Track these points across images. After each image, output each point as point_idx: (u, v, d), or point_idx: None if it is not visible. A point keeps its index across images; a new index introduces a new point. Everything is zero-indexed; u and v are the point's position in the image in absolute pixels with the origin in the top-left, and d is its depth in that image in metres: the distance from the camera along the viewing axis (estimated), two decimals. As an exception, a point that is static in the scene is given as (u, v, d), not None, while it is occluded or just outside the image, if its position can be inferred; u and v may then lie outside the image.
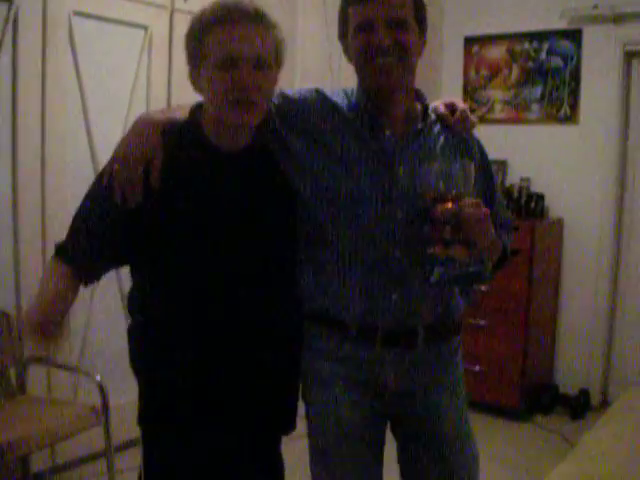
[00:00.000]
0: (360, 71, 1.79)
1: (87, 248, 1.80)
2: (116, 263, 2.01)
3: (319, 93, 1.84)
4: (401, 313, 1.78)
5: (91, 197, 1.81)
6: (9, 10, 3.10)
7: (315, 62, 4.61)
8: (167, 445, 1.87)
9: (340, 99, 1.83)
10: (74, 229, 1.84)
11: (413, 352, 1.82)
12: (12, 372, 3.28)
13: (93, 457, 3.44)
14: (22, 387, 3.27)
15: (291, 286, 1.86)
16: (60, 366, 3.35)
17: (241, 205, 1.79)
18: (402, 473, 1.98)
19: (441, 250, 1.60)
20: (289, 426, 1.97)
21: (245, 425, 1.89)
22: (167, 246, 1.78)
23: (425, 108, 1.87)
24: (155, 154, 1.72)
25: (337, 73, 4.69)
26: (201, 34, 1.68)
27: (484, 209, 1.62)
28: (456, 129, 1.87)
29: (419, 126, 1.82)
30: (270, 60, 1.71)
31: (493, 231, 1.70)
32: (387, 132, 1.78)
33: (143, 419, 1.95)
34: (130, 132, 1.79)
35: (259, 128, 1.77)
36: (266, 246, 1.82)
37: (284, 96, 1.82)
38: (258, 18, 1.68)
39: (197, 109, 1.80)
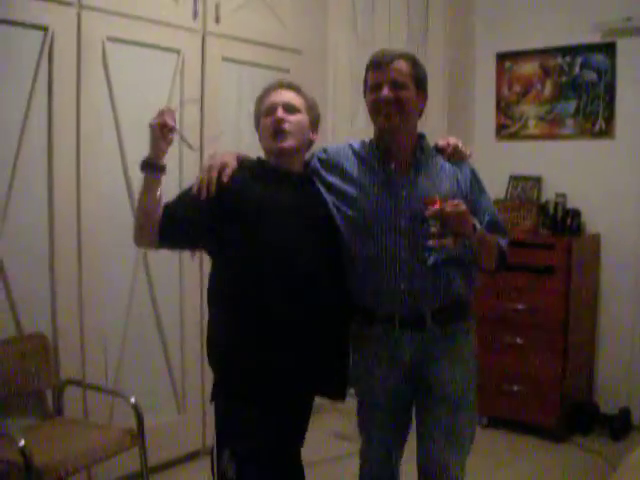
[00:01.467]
0: (372, 119, 2.40)
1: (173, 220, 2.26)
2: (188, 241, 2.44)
3: (349, 146, 2.48)
4: (410, 301, 2.32)
5: (180, 194, 2.35)
6: (45, 37, 3.15)
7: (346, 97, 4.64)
8: (239, 414, 2.27)
9: (361, 146, 2.47)
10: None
11: (423, 332, 2.35)
12: (49, 394, 3.31)
13: (129, 478, 3.45)
14: (59, 409, 3.30)
15: (339, 281, 2.38)
16: (96, 388, 3.39)
17: (293, 209, 2.33)
18: (418, 426, 2.47)
19: (434, 241, 2.16)
20: (342, 394, 2.45)
21: (306, 393, 2.40)
22: (234, 235, 2.27)
23: (422, 144, 2.45)
24: (229, 165, 2.30)
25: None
26: (258, 100, 2.44)
27: (462, 207, 2.17)
28: (451, 160, 2.45)
29: (418, 158, 2.40)
30: (298, 106, 2.38)
31: (476, 224, 2.27)
32: (392, 165, 2.38)
33: (216, 396, 2.35)
34: (214, 154, 2.41)
35: (306, 165, 2.45)
36: (316, 242, 2.33)
37: (325, 150, 2.49)
38: (291, 86, 2.43)
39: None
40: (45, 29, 3.15)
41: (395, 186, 2.35)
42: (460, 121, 5.02)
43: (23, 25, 3.10)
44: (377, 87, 2.33)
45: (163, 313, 3.72)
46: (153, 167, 2.22)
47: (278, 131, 2.32)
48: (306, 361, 2.30)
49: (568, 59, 4.74)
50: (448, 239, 2.15)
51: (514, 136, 5.01)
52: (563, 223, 4.57)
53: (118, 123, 3.46)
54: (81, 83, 3.30)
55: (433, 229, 2.15)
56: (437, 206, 2.13)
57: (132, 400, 3.12)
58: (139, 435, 3.08)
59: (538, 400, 4.34)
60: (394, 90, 2.30)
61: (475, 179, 2.48)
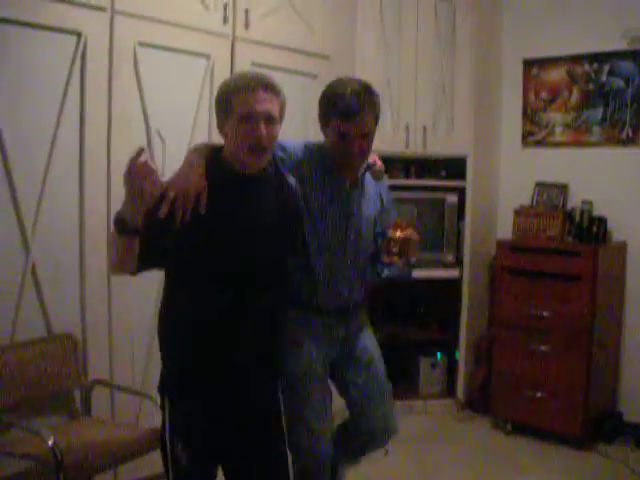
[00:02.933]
0: (334, 154, 2.59)
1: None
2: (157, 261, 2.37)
3: (306, 148, 2.64)
4: (346, 299, 2.73)
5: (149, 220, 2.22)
6: (78, 42, 3.20)
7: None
8: (183, 409, 2.38)
9: (318, 154, 2.64)
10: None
11: (349, 316, 2.77)
12: (77, 394, 3.35)
13: (155, 479, 3.48)
14: (87, 409, 3.34)
15: (284, 282, 2.49)
16: (123, 389, 3.42)
17: (255, 214, 2.34)
18: (344, 386, 2.85)
19: (390, 258, 2.56)
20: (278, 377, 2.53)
21: (245, 382, 2.39)
22: (194, 245, 2.25)
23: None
24: (203, 187, 2.24)
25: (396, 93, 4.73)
26: (229, 96, 2.27)
27: (417, 236, 2.57)
28: (375, 176, 2.76)
29: (359, 175, 2.71)
30: (276, 116, 2.29)
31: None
32: (347, 182, 2.66)
33: (161, 389, 2.47)
34: (184, 166, 2.32)
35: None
36: (271, 247, 2.37)
37: (283, 148, 2.57)
38: (269, 87, 2.28)
39: (217, 149, 2.39)
40: (78, 34, 3.20)
41: (349, 204, 2.67)
42: (486, 128, 5.03)
43: (57, 30, 3.14)
44: (348, 139, 2.52)
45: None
46: (128, 231, 2.14)
47: (258, 148, 2.27)
48: (246, 354, 2.36)
49: (595, 66, 4.73)
50: (400, 259, 2.56)
51: (540, 143, 5.00)
52: (589, 231, 4.55)
53: (149, 127, 3.50)
54: (112, 88, 3.34)
55: (394, 249, 2.53)
56: (399, 232, 2.53)
57: (159, 401, 3.14)
58: (165, 436, 3.11)
59: (562, 407, 4.33)
60: (363, 141, 2.54)
61: (388, 192, 2.89)
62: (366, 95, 2.52)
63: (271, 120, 2.27)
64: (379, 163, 2.78)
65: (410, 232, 2.56)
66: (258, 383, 2.44)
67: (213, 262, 2.28)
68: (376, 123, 2.60)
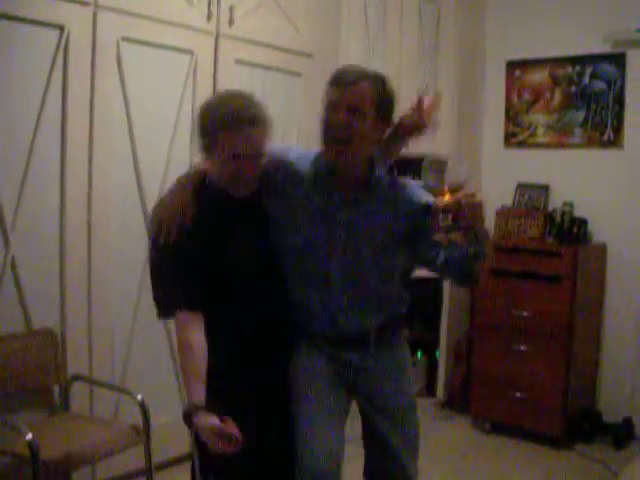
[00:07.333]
0: (322, 140, 2.20)
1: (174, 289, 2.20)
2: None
3: (291, 164, 2.29)
4: (349, 328, 2.32)
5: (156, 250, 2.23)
6: (60, 36, 3.19)
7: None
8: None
9: (308, 166, 2.27)
10: (159, 282, 2.25)
11: (360, 347, 2.36)
12: (56, 389, 3.34)
13: (133, 475, 3.47)
14: (65, 404, 3.32)
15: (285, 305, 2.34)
16: (103, 384, 3.41)
17: (251, 236, 2.26)
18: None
19: (443, 236, 2.02)
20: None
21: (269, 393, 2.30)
22: (203, 269, 2.19)
23: (372, 171, 2.28)
24: (188, 207, 2.18)
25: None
26: (214, 131, 2.14)
27: (478, 198, 2.01)
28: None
29: (370, 184, 2.26)
30: (264, 151, 2.18)
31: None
32: (337, 194, 2.23)
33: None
34: (169, 193, 2.27)
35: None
36: (270, 268, 2.29)
37: (265, 170, 2.23)
38: (257, 120, 2.14)
39: (205, 175, 2.27)
40: (61, 28, 3.19)
41: (332, 220, 2.24)
42: (469, 128, 5.05)
43: (40, 23, 3.12)
44: (334, 107, 2.16)
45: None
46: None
47: (244, 180, 2.19)
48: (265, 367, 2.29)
49: (578, 68, 4.77)
50: (457, 234, 2.03)
51: (522, 144, 5.03)
52: (570, 232, 4.58)
53: (131, 122, 3.49)
54: (95, 82, 3.32)
55: (446, 222, 1.99)
56: (447, 197, 1.99)
57: (139, 397, 3.14)
58: (145, 432, 3.10)
59: (541, 407, 4.36)
60: (349, 115, 2.12)
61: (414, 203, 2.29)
62: (370, 73, 2.22)
63: (259, 155, 2.18)
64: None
65: (462, 193, 2.02)
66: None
67: (223, 283, 2.22)
68: (378, 111, 2.19)
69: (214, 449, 2.03)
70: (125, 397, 3.39)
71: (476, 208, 2.02)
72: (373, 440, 2.44)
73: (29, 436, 2.72)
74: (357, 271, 2.25)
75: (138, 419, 3.13)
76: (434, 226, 2.04)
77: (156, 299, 2.26)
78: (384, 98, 2.19)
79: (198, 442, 2.14)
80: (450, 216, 1.97)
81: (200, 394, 2.09)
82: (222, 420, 2.03)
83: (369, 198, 2.26)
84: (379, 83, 2.19)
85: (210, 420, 2.03)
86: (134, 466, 3.35)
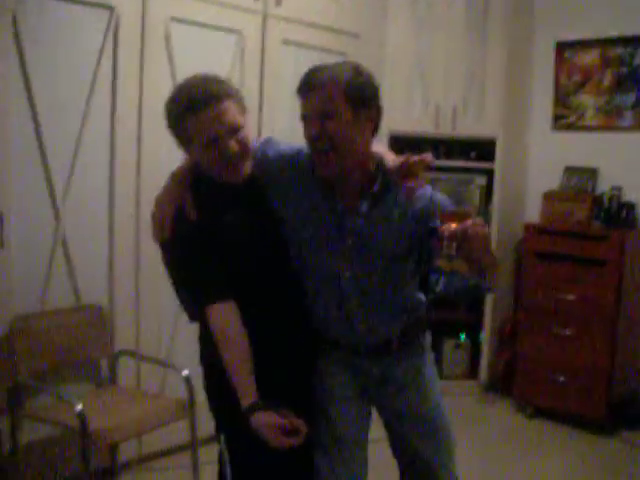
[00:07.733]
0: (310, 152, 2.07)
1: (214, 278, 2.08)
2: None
3: (298, 156, 2.14)
4: (365, 335, 2.20)
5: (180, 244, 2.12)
6: (111, 16, 3.23)
7: (403, 71, 4.62)
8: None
9: (307, 163, 2.11)
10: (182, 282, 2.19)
11: (378, 355, 2.25)
12: (104, 363, 3.41)
13: (178, 449, 3.54)
14: (113, 378, 3.40)
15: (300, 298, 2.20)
16: (149, 359, 3.48)
17: (249, 223, 2.12)
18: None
19: (445, 263, 1.83)
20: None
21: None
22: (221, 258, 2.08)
23: (382, 173, 2.10)
24: (183, 198, 2.09)
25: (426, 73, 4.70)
26: (181, 122, 2.03)
27: (486, 229, 1.85)
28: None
29: (374, 190, 2.09)
30: (239, 122, 2.03)
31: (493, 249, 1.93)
32: (339, 204, 2.09)
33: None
34: (164, 189, 2.17)
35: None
36: (284, 253, 2.16)
37: (265, 156, 2.15)
38: (219, 96, 2.01)
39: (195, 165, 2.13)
40: (111, 9, 3.23)
41: (341, 230, 2.10)
42: (517, 110, 4.99)
43: (90, 4, 3.18)
44: (305, 119, 2.03)
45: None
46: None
47: (232, 165, 2.04)
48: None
49: (629, 49, 4.66)
50: (461, 263, 1.84)
51: (571, 127, 4.95)
52: (617, 216, 4.52)
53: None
54: (144, 62, 3.38)
55: (449, 249, 1.83)
56: (455, 224, 1.82)
57: (184, 372, 3.19)
58: (190, 407, 3.16)
59: (585, 392, 4.32)
60: (322, 122, 1.98)
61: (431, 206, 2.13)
62: (334, 71, 2.05)
63: (235, 130, 2.02)
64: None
65: (471, 221, 1.83)
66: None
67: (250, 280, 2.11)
68: (355, 105, 2.02)
69: (280, 446, 1.93)
70: (171, 372, 3.46)
71: (483, 239, 1.85)
72: (404, 455, 2.34)
73: (79, 407, 2.78)
74: (368, 279, 2.13)
75: (183, 394, 3.18)
76: (437, 252, 1.88)
77: (183, 304, 2.21)
78: (355, 86, 2.01)
79: (230, 449, 2.12)
80: (454, 245, 1.82)
81: (252, 391, 1.99)
82: (280, 414, 1.95)
83: (375, 205, 2.10)
84: (344, 74, 2.01)
85: (272, 419, 1.95)
86: (179, 440, 3.41)
